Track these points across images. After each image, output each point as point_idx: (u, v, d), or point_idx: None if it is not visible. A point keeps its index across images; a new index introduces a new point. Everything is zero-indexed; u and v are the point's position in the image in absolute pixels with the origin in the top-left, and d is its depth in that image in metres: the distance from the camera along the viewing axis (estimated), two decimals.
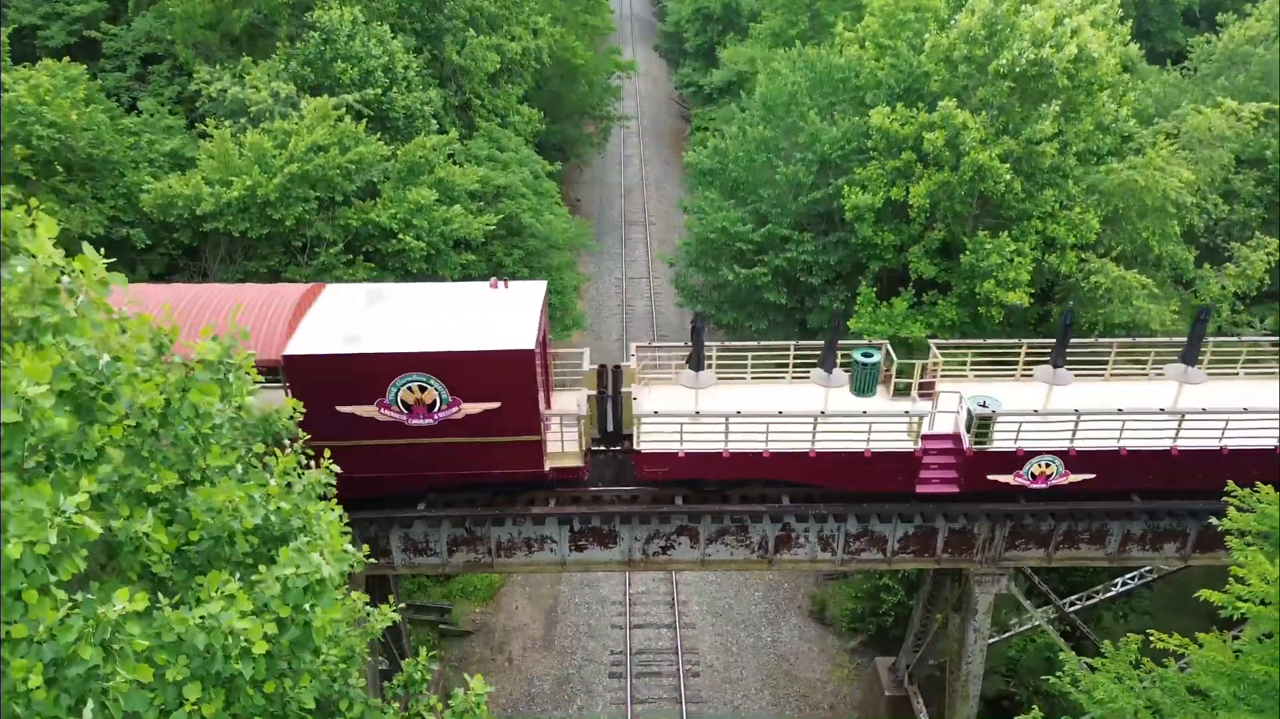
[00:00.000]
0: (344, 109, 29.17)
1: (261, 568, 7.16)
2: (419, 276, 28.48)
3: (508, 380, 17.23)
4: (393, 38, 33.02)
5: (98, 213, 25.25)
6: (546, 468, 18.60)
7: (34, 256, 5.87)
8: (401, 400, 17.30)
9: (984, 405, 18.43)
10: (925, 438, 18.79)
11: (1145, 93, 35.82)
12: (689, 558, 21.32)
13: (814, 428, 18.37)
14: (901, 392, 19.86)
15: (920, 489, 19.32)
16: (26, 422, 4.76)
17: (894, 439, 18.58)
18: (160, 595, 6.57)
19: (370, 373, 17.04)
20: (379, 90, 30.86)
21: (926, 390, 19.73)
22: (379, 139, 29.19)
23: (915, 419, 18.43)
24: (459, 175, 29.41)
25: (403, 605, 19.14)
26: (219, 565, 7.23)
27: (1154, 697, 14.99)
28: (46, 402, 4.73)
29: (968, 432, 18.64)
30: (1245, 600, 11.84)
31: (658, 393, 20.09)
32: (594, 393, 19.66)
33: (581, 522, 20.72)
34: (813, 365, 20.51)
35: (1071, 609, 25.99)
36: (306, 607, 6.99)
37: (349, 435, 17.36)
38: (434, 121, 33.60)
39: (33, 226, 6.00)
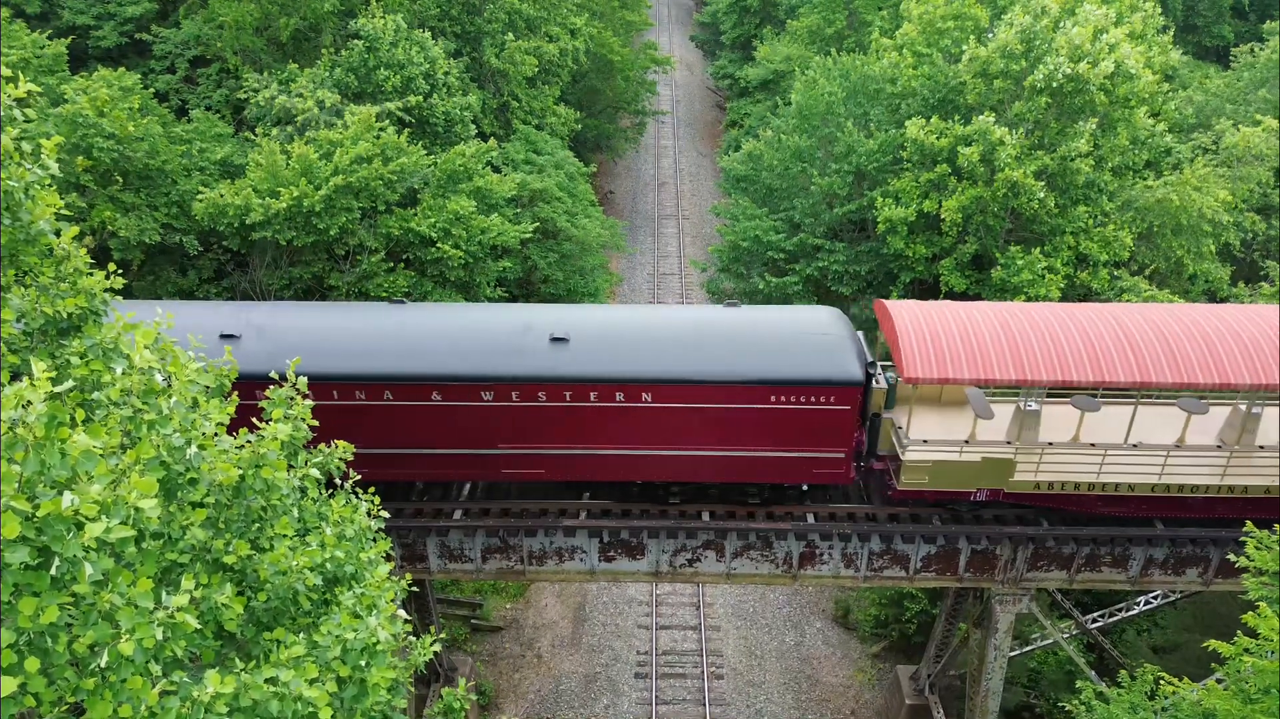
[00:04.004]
0: (387, 117, 29.86)
1: (322, 623, 7.88)
2: (456, 283, 29.22)
3: None
4: (434, 44, 33.62)
5: (152, 220, 26.24)
6: None
7: (131, 362, 6.58)
8: None
9: None
10: None
11: (1186, 101, 35.47)
12: (715, 571, 21.91)
13: None
14: None
15: None
16: (140, 534, 5.46)
17: None
18: (231, 652, 7.33)
19: None
20: (420, 97, 31.53)
21: None
22: (420, 144, 29.86)
23: None
24: (497, 184, 30.01)
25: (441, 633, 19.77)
26: (284, 622, 7.97)
27: None
28: (155, 513, 5.42)
29: None
30: (1250, 654, 12.21)
31: None
32: None
33: (611, 533, 21.44)
34: None
35: (1094, 625, 26.25)
36: (363, 664, 7.73)
37: None
38: (473, 126, 34.20)
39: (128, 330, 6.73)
